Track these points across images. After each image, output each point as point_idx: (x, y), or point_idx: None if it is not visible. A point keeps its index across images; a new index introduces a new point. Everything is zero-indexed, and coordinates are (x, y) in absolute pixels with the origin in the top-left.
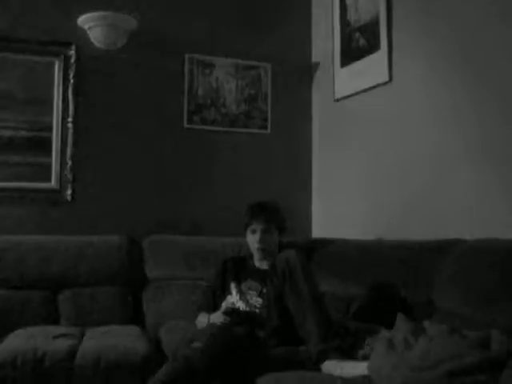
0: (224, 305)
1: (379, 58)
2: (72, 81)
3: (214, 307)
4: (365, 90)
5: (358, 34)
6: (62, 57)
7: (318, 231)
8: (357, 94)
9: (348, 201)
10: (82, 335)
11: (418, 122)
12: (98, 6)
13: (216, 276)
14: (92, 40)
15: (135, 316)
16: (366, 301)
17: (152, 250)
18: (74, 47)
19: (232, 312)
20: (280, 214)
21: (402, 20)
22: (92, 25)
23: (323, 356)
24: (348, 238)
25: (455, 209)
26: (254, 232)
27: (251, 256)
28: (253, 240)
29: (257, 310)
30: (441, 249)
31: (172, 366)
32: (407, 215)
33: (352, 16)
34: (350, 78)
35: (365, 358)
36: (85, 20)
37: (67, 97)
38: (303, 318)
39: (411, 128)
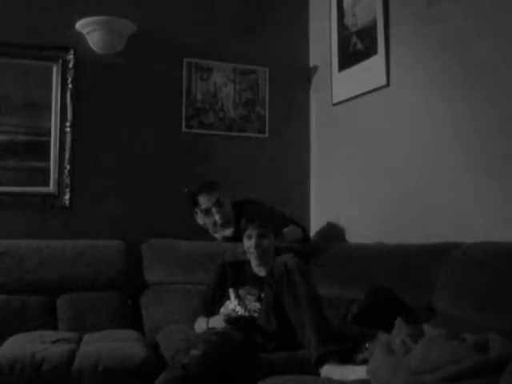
0: (223, 310)
1: (377, 62)
2: (70, 85)
3: (212, 311)
4: (362, 94)
5: (355, 39)
6: (61, 61)
7: (316, 235)
8: (354, 98)
9: (346, 205)
10: (80, 340)
11: (415, 126)
12: (97, 10)
13: (214, 280)
14: (90, 44)
15: (134, 321)
16: (364, 305)
17: (150, 254)
18: (72, 52)
19: (234, 322)
20: (275, 219)
21: (399, 24)
22: (90, 29)
23: (322, 360)
24: (346, 242)
25: (451, 212)
26: (249, 238)
27: (249, 262)
28: (248, 245)
29: (255, 315)
30: (439, 252)
31: (170, 374)
32: (405, 219)
33: (349, 20)
34: (347, 82)
35: (364, 362)
36: (83, 24)
37: (65, 101)
38: (302, 321)
39: (409, 132)
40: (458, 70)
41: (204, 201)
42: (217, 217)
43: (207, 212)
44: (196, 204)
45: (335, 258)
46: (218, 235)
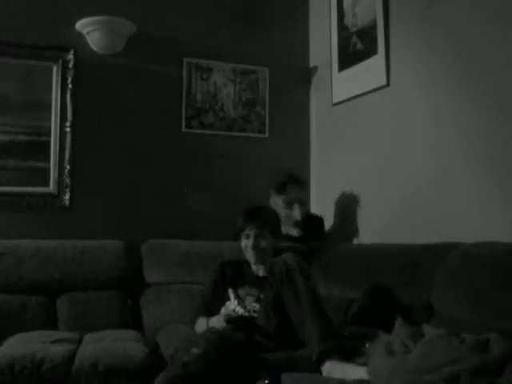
0: (223, 311)
1: (377, 62)
2: (70, 85)
3: (212, 312)
4: (362, 95)
5: (355, 39)
6: (60, 61)
7: None
8: (354, 98)
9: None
10: (80, 340)
11: (415, 126)
12: (97, 10)
13: (214, 279)
14: (90, 45)
15: (133, 320)
16: (364, 304)
17: (150, 254)
18: (72, 52)
19: (234, 321)
20: (274, 219)
21: (399, 24)
22: (90, 29)
23: (324, 356)
24: (345, 242)
25: (451, 212)
26: (247, 237)
27: (248, 262)
28: (245, 244)
29: (254, 315)
30: (439, 252)
31: (170, 372)
32: (405, 219)
33: (349, 20)
34: (347, 82)
35: (365, 363)
36: (83, 24)
37: (65, 101)
38: (302, 319)
39: (409, 132)
40: (459, 69)
41: (291, 191)
42: (297, 212)
43: (289, 204)
44: (281, 191)
45: (335, 258)
46: (284, 228)
